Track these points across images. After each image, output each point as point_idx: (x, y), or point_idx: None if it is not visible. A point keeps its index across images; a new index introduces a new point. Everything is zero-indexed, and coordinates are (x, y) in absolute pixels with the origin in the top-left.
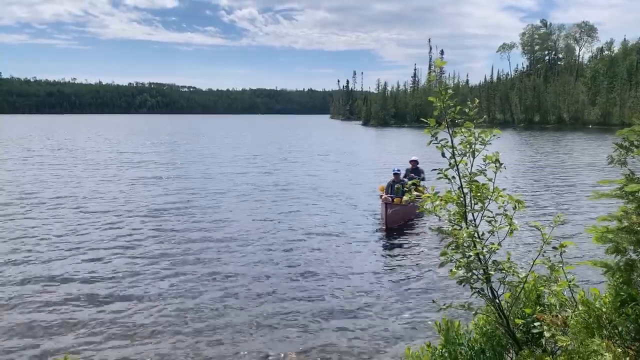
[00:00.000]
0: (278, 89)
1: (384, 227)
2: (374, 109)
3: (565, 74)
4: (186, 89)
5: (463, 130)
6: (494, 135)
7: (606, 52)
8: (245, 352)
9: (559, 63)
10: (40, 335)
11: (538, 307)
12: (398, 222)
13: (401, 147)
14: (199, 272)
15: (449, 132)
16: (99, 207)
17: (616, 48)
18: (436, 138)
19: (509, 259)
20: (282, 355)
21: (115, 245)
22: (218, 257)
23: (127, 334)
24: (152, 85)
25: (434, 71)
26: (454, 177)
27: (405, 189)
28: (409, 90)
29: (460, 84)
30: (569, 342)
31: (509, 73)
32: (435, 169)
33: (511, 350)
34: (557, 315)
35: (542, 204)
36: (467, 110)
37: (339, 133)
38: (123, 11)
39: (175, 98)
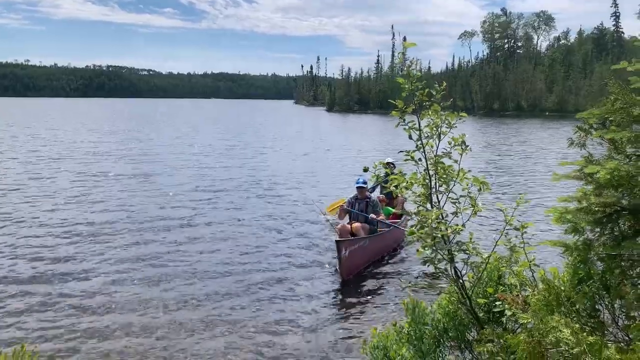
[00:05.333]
0: (241, 73)
1: (340, 277)
2: (338, 95)
3: (524, 61)
4: (145, 72)
5: (430, 112)
6: (460, 118)
7: (563, 42)
8: None
9: (518, 51)
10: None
11: (500, 287)
12: (360, 266)
13: (370, 135)
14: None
15: (416, 114)
16: (56, 205)
17: (572, 37)
18: (404, 120)
19: (471, 239)
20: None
21: (64, 249)
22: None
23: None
24: (110, 68)
25: (403, 52)
26: (420, 159)
27: (374, 210)
28: (372, 77)
29: (423, 70)
30: (530, 320)
31: (470, 60)
32: (403, 151)
33: (473, 329)
34: (517, 295)
35: (505, 187)
36: (434, 92)
37: (306, 121)
38: None
39: (134, 81)
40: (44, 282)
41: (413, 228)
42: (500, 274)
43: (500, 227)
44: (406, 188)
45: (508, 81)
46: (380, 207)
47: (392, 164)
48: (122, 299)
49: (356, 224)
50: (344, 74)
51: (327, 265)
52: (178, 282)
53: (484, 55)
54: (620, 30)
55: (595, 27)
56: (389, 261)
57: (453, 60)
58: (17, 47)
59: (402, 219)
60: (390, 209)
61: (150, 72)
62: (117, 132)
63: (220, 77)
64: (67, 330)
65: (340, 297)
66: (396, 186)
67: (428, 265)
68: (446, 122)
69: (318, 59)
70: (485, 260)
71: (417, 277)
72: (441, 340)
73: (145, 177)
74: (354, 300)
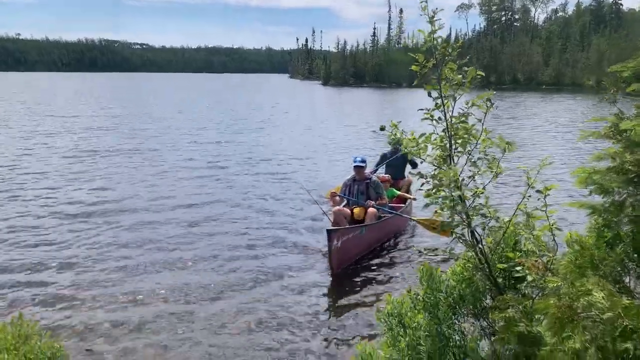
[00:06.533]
0: (235, 47)
1: (330, 271)
2: (333, 69)
3: (521, 34)
4: (138, 47)
5: (447, 70)
6: (478, 75)
7: (560, 14)
8: None
9: (515, 24)
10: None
11: (517, 253)
12: (354, 257)
13: (367, 109)
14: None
15: (437, 69)
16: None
17: (570, 10)
18: (424, 76)
19: (487, 202)
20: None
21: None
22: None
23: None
24: (103, 42)
25: (424, 1)
26: (440, 118)
27: (376, 192)
28: (368, 50)
29: (419, 43)
30: (560, 283)
31: (467, 33)
32: (422, 109)
33: (488, 297)
34: (537, 260)
35: (519, 160)
36: (450, 50)
37: (302, 95)
38: None
39: (127, 56)
40: (40, 259)
41: (430, 191)
42: (517, 239)
43: (518, 192)
44: (422, 150)
45: (505, 54)
46: (382, 188)
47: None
48: (112, 277)
49: (369, 209)
50: (339, 47)
51: (320, 253)
52: (163, 270)
53: (480, 28)
54: (619, 2)
55: None
56: (388, 247)
57: (450, 33)
58: (7, 21)
59: (407, 203)
60: (394, 190)
61: (143, 47)
62: (112, 108)
63: (214, 51)
64: (64, 302)
65: (333, 286)
66: (414, 146)
67: (445, 230)
68: (466, 79)
69: (313, 31)
70: (506, 224)
71: (423, 251)
72: (457, 307)
73: (141, 153)
74: (349, 286)
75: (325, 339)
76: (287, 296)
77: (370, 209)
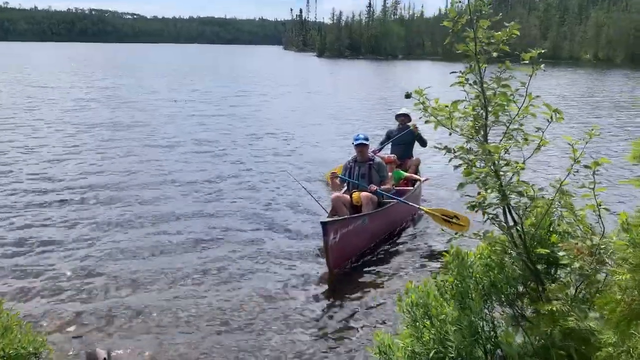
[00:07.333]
0: (227, 18)
1: (327, 270)
2: (328, 40)
3: (518, 7)
4: (129, 16)
5: (480, 30)
6: (514, 33)
7: None
8: None
9: None
10: None
11: (554, 236)
12: (356, 252)
13: (368, 83)
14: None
15: (471, 26)
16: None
17: None
18: (456, 32)
19: (518, 180)
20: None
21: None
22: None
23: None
24: (93, 12)
25: None
26: (475, 82)
27: (380, 175)
28: (364, 21)
29: (415, 15)
30: (626, 275)
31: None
32: (455, 72)
33: (519, 284)
34: (577, 243)
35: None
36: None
37: (298, 68)
38: None
39: (118, 26)
40: (25, 243)
41: (469, 169)
42: (551, 221)
43: (550, 167)
44: (453, 120)
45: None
46: (387, 170)
47: (409, 116)
48: (96, 264)
49: (363, 193)
50: (334, 18)
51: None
52: (152, 266)
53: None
54: None
55: None
56: (395, 238)
57: (446, 5)
58: None
59: (416, 185)
60: (401, 172)
61: (135, 16)
62: (104, 80)
63: (207, 21)
64: (46, 292)
65: (333, 284)
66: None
67: (476, 211)
68: (506, 34)
69: (308, 1)
70: (549, 203)
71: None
72: (488, 295)
73: (131, 128)
74: (350, 284)
75: (332, 339)
76: (284, 297)
77: (364, 193)
